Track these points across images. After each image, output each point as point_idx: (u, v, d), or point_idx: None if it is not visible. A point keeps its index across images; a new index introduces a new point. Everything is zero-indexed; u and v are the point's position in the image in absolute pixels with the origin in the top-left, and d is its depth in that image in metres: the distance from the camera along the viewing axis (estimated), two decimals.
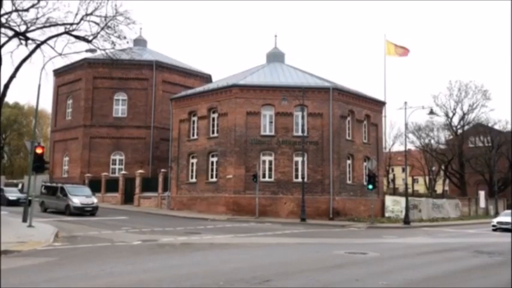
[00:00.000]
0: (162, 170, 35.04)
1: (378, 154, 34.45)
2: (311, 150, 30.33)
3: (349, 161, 32.07)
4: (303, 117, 29.03)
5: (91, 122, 40.54)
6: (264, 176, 30.24)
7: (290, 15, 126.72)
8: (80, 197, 26.97)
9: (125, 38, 20.61)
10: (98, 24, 20.49)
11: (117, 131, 40.33)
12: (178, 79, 42.60)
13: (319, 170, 30.21)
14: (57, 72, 43.51)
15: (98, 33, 20.36)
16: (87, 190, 28.65)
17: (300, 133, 29.65)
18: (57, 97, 44.41)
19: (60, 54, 20.37)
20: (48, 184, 30.44)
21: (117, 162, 40.42)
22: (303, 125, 29.12)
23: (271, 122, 30.87)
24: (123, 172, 38.03)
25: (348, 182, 31.65)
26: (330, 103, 30.58)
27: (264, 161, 30.54)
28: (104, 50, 20.91)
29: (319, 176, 30.16)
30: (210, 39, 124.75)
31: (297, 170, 30.22)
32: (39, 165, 19.11)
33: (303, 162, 28.71)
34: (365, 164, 32.75)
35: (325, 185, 30.00)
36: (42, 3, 20.75)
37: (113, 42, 20.44)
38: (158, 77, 41.14)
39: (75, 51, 21.50)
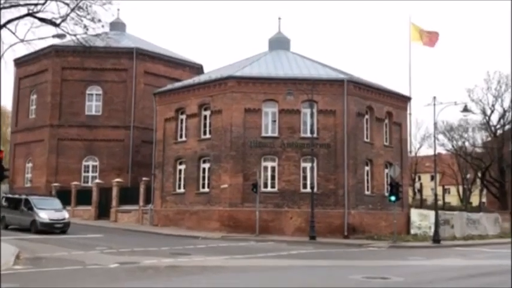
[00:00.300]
0: (144, 178, 35.09)
1: (402, 159, 34.50)
2: (322, 154, 30.37)
3: (367, 168, 32.10)
4: (312, 115, 29.08)
5: (59, 121, 40.56)
6: (265, 186, 30.27)
7: None
8: (48, 211, 26.97)
9: (99, 21, 20.71)
10: (67, 4, 20.60)
11: (90, 132, 40.38)
12: (164, 70, 42.67)
13: (331, 178, 30.25)
14: (19, 62, 43.54)
15: (68, 15, 20.44)
16: (57, 203, 28.65)
17: (308, 134, 29.60)
18: (19, 91, 44.44)
19: (22, 41, 20.43)
20: (10, 196, 30.42)
21: (90, 169, 40.46)
22: (312, 125, 29.14)
23: (274, 121, 30.93)
24: (97, 181, 38.06)
25: (366, 192, 31.71)
26: (344, 98, 30.60)
27: (265, 168, 30.56)
28: (75, 35, 21.00)
29: (332, 185, 30.22)
30: (202, 23, 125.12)
31: (305, 178, 30.25)
32: None
33: (312, 168, 28.75)
34: (386, 170, 32.78)
35: (339, 196, 30.05)
36: None
37: (85, 26, 20.52)
38: (139, 67, 41.21)
39: (40, 37, 21.51)
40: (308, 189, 29.17)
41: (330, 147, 30.54)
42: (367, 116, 32.42)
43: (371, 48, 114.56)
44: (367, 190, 31.90)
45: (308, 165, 29.81)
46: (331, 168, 30.35)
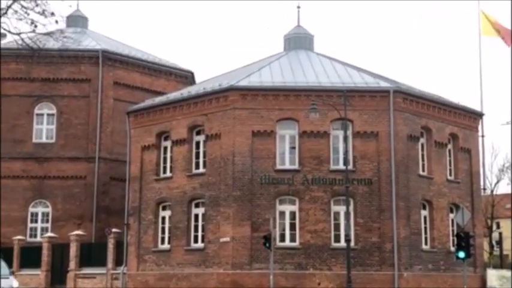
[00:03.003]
0: (114, 230, 35.16)
1: (473, 200, 34.38)
2: (361, 194, 30.36)
3: (424, 212, 32.02)
4: (345, 140, 29.12)
5: None
6: (282, 239, 30.25)
7: None
8: None
9: (52, 14, 20.75)
10: None
11: (40, 167, 40.39)
12: (141, 80, 42.89)
13: (374, 227, 30.17)
14: None
15: (9, 7, 20.52)
16: (2, 266, 28.41)
17: (341, 166, 29.73)
18: None
19: None
20: None
21: (40, 218, 40.30)
22: (346, 153, 29.20)
23: (293, 148, 31.04)
24: (50, 234, 38.01)
25: (424, 246, 31.59)
26: (390, 115, 30.70)
27: (282, 213, 30.59)
28: (19, 34, 21.12)
29: (376, 237, 30.12)
30: (193, 17, 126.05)
31: (337, 227, 30.23)
32: None
33: (347, 214, 28.63)
34: (452, 216, 32.67)
35: (386, 253, 29.90)
36: None
37: (32, 22, 20.58)
38: (107, 76, 41.36)
39: None
40: (342, 243, 29.13)
41: (372, 183, 30.52)
42: (422, 140, 32.42)
43: (423, 48, 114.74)
44: (425, 244, 31.75)
45: (341, 209, 29.78)
46: (374, 214, 30.28)
